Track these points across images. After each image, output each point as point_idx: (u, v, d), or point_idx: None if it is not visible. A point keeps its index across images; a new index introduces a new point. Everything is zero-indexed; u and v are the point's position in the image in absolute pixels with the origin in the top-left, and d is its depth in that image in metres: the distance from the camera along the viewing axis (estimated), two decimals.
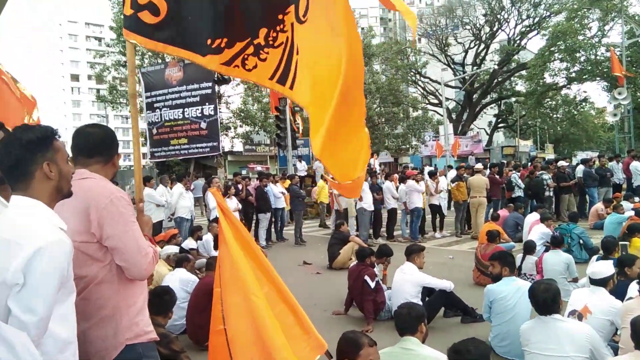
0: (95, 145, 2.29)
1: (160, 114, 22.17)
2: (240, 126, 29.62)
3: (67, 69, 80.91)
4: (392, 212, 11.90)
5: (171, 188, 11.04)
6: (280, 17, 2.73)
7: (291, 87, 2.72)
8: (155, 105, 22.32)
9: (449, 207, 13.66)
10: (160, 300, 3.86)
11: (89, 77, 34.10)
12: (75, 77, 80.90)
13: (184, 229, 10.23)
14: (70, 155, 2.21)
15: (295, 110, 18.98)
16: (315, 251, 10.54)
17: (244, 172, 24.43)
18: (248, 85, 29.83)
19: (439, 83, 29.59)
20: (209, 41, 2.82)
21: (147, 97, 22.65)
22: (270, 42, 2.76)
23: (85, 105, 77.70)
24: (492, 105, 41.72)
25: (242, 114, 29.23)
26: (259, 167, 25.96)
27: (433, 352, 3.17)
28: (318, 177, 18.87)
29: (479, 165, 13.43)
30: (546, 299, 3.63)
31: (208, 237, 8.92)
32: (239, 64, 2.82)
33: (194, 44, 2.85)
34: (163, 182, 11.34)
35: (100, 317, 2.10)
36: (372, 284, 5.73)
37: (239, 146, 30.14)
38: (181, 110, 21.60)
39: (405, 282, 5.61)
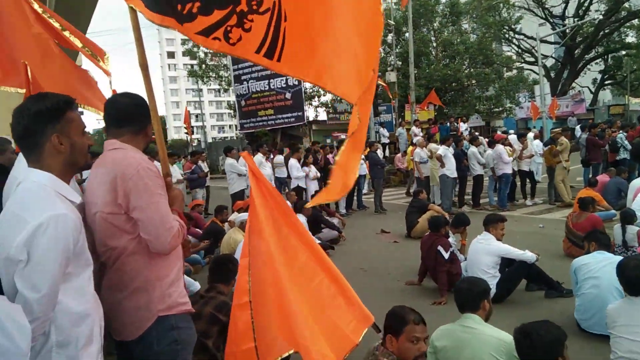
0: (125, 115, 2.23)
1: (248, 86, 22.77)
2: (324, 95, 29.57)
3: (163, 47, 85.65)
4: (479, 179, 11.28)
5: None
6: None
7: (279, 59, 2.38)
8: (243, 77, 22.94)
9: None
10: (223, 269, 3.93)
11: (184, 54, 35.72)
12: (171, 54, 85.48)
13: None
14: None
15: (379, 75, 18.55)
16: (395, 219, 10.35)
17: (328, 140, 24.51)
18: None
19: (535, 39, 27.18)
20: (179, 7, 2.45)
21: (234, 70, 23.33)
22: (254, 7, 2.37)
23: (181, 81, 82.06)
24: (598, 61, 37.58)
25: None
26: (343, 136, 25.87)
27: (496, 331, 2.93)
28: (401, 143, 18.42)
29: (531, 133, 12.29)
30: (638, 277, 3.21)
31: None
32: (221, 37, 2.43)
33: (171, 10, 2.49)
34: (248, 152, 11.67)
35: (133, 288, 2.12)
36: (446, 255, 5.48)
37: (323, 115, 30.20)
38: (267, 81, 21.99)
39: (480, 252, 5.29)
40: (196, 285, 5.66)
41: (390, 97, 20.19)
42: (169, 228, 2.08)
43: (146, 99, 2.39)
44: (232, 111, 30.56)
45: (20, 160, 2.24)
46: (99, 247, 2.12)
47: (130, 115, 2.23)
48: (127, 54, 27.84)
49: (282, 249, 2.62)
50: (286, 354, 2.57)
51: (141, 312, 2.11)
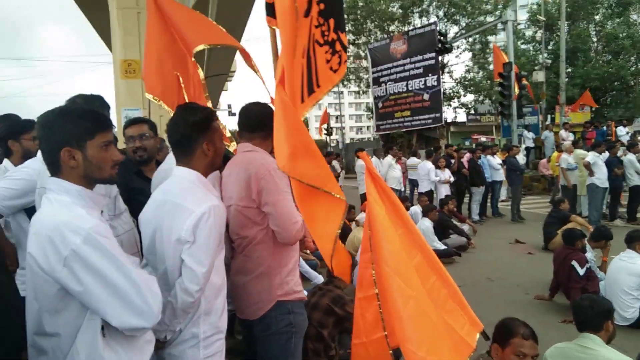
0: (257, 121, 2.53)
1: (386, 88, 22.96)
2: (464, 95, 28.52)
3: None
4: (637, 190, 10.00)
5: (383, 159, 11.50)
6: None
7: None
8: (381, 79, 23.18)
9: None
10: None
11: None
12: None
13: None
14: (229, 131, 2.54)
15: (522, 75, 17.35)
16: (533, 230, 9.66)
17: (467, 143, 23.63)
18: (474, 52, 28.43)
19: None
20: None
21: (373, 72, 23.69)
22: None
23: None
24: None
25: (466, 83, 28.06)
26: (483, 138, 24.69)
27: (619, 355, 2.69)
28: (547, 148, 17.03)
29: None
30: None
31: (416, 209, 9.04)
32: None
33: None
34: (377, 154, 11.88)
35: (258, 273, 2.40)
36: (581, 271, 5.05)
37: (462, 116, 29.19)
38: (405, 82, 21.95)
39: (622, 271, 4.78)
40: (319, 279, 6.01)
41: (533, 99, 18.75)
42: (295, 222, 2.37)
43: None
44: (369, 113, 31.00)
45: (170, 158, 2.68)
46: (232, 235, 2.46)
47: (261, 122, 2.53)
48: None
49: (399, 248, 2.67)
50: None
51: (263, 295, 2.41)
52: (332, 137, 35.83)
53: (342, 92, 48.90)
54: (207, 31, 3.78)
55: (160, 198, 2.07)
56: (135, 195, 2.71)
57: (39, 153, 2.78)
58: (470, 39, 27.15)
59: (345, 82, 31.99)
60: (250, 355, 2.69)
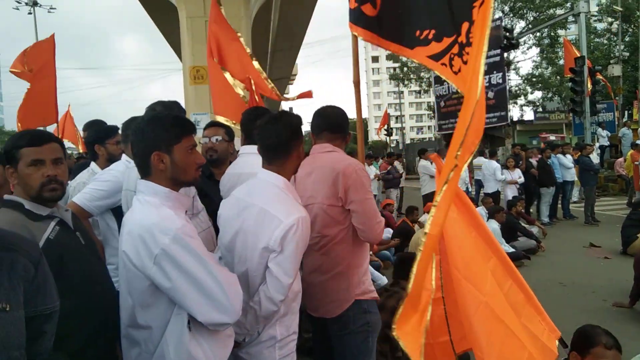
0: (337, 124, 2.60)
1: (448, 87, 22.44)
2: (531, 93, 27.34)
3: (368, 51, 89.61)
4: None
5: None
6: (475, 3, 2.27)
7: None
8: (443, 78, 22.67)
9: None
10: (407, 266, 4.13)
11: (387, 58, 37.12)
12: (375, 59, 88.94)
13: None
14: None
15: (596, 69, 16.39)
16: (609, 233, 9.11)
17: (534, 142, 22.65)
18: (542, 47, 27.21)
19: None
20: (417, 32, 2.66)
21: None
22: (470, 40, 2.31)
23: (383, 84, 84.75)
24: None
25: (534, 79, 26.89)
26: (552, 137, 23.53)
27: None
28: (624, 146, 16.00)
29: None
30: None
31: (481, 211, 8.81)
32: (447, 63, 2.49)
33: (403, 36, 2.76)
34: (440, 154, 11.64)
35: (336, 272, 2.43)
36: None
37: (529, 115, 27.99)
38: None
39: None
40: (383, 280, 6.00)
41: (611, 94, 17.67)
42: (379, 221, 2.43)
43: (355, 109, 2.99)
44: (430, 112, 30.48)
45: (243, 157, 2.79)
46: (313, 233, 2.36)
47: (341, 124, 2.62)
48: (338, 61, 30.02)
49: (472, 251, 2.63)
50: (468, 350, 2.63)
51: (342, 294, 2.45)
52: (391, 138, 35.50)
53: (402, 92, 48.33)
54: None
55: (247, 200, 2.09)
56: (202, 198, 2.80)
57: (123, 156, 3.00)
58: (538, 34, 26.01)
59: (406, 82, 31.64)
60: (320, 354, 2.74)
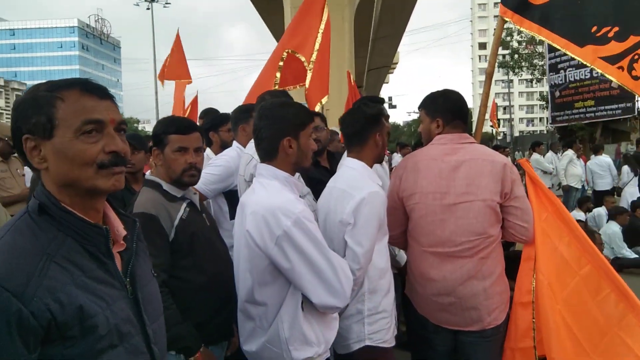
0: (466, 112, 2.45)
1: (565, 75, 20.64)
2: None
3: (475, 38, 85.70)
4: None
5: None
6: None
7: None
8: (560, 66, 20.90)
9: None
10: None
11: None
12: (482, 45, 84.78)
13: (572, 199, 9.62)
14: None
15: None
16: None
17: None
18: None
19: None
20: (594, 28, 2.40)
21: (550, 59, 21.53)
22: None
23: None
24: None
25: None
26: None
27: None
28: None
29: None
30: None
31: (600, 211, 8.14)
32: (625, 66, 2.23)
33: (573, 32, 2.50)
34: (553, 148, 10.91)
35: (497, 275, 2.31)
36: None
37: None
38: (589, 69, 19.59)
39: None
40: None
41: None
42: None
43: (480, 100, 2.90)
44: (543, 103, 28.45)
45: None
46: (470, 235, 2.23)
47: (465, 110, 2.45)
48: (442, 48, 29.09)
49: (562, 257, 2.50)
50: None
51: (504, 296, 2.37)
52: (499, 130, 33.74)
53: (511, 81, 45.62)
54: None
55: (331, 185, 2.28)
56: (315, 185, 2.87)
57: (234, 142, 3.17)
58: None
59: (517, 70, 29.81)
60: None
